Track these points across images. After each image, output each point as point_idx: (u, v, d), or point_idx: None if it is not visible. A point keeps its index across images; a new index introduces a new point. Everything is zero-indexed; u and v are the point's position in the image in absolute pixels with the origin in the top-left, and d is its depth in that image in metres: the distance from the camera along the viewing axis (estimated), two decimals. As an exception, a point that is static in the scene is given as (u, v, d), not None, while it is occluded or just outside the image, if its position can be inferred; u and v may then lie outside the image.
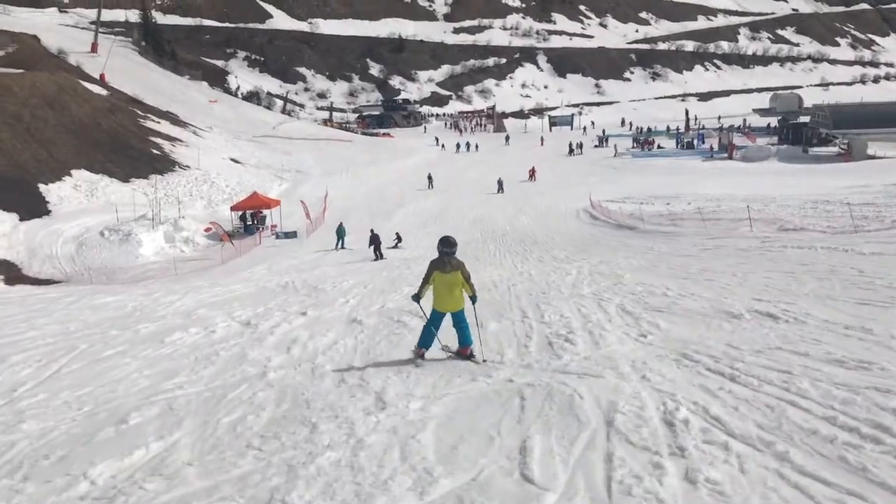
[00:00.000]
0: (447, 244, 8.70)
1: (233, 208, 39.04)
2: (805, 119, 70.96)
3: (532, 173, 55.50)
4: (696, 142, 71.57)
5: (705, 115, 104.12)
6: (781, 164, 57.03)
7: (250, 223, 38.37)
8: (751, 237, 20.83)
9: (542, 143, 78.03)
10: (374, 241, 29.00)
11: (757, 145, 64.31)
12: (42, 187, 37.27)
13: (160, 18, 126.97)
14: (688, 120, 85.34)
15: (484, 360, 8.72)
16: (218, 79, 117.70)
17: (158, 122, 61.34)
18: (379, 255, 28.28)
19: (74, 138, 43.52)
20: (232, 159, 58.76)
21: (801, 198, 31.41)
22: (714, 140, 70.95)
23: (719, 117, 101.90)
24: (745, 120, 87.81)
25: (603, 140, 76.84)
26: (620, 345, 9.06)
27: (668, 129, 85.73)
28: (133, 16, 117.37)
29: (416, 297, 8.94)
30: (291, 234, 36.22)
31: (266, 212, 39.64)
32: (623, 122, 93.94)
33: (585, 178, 53.11)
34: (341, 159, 66.75)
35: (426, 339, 8.94)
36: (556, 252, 24.07)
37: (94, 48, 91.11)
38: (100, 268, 29.43)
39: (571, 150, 68.91)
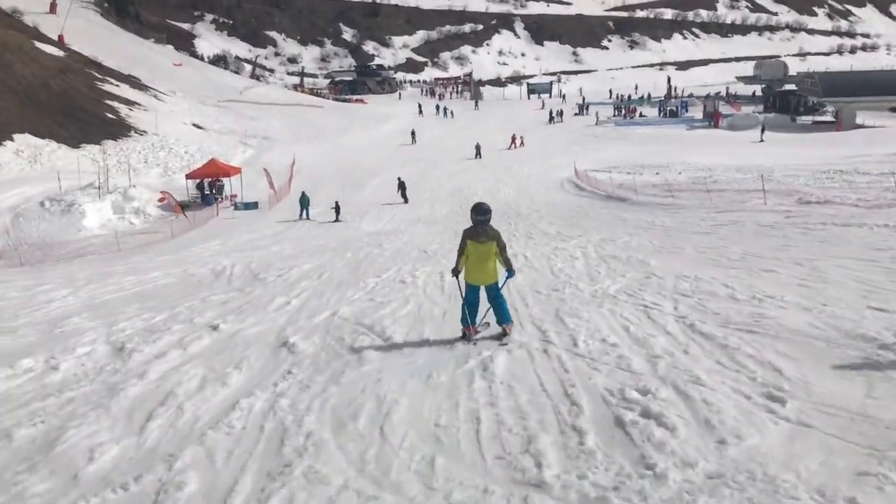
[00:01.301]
0: (480, 211, 7.75)
1: (188, 176, 35.97)
2: (791, 87, 69.03)
3: (514, 140, 52.87)
4: (679, 110, 69.26)
5: (684, 85, 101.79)
6: (769, 132, 54.91)
7: (208, 193, 35.37)
8: (767, 211, 18.47)
9: (542, 107, 76.39)
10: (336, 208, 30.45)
11: (744, 113, 62.21)
12: (-23, 152, 34.07)
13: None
14: (670, 88, 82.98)
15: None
16: (184, 42, 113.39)
17: (117, 86, 57.89)
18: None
19: (18, 100, 40.15)
20: (194, 125, 55.53)
21: (807, 168, 29.16)
22: (698, 108, 68.79)
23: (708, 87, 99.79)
24: (727, 88, 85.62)
25: (583, 108, 74.35)
26: (754, 427, 5.00)
27: (648, 96, 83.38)
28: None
29: (455, 272, 8.08)
30: (252, 205, 33.33)
31: (225, 180, 36.61)
32: (611, 94, 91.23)
33: (567, 147, 50.68)
34: (311, 126, 63.74)
35: (468, 314, 8.00)
36: (544, 226, 21.61)
37: (52, 8, 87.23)
38: (36, 242, 26.47)
39: (552, 118, 66.34)
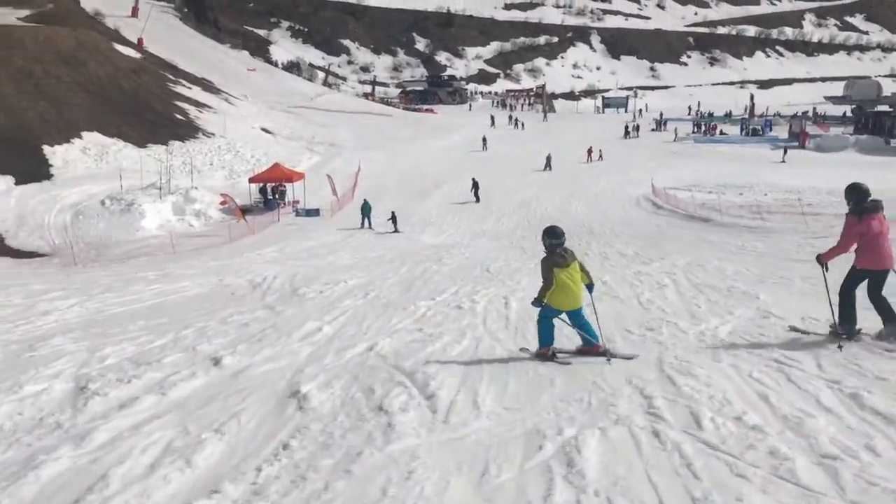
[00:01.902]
0: (554, 235, 7.43)
1: (251, 180, 35.16)
2: (884, 108, 65.07)
3: (590, 153, 51.05)
4: (763, 129, 66.06)
5: (766, 104, 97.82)
6: (860, 155, 51.69)
7: (271, 198, 34.52)
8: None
9: (638, 117, 74.60)
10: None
11: (833, 134, 58.76)
12: (46, 149, 33.90)
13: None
14: (752, 106, 79.59)
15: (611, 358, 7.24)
16: (260, 48, 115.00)
17: (189, 88, 58.13)
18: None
19: (89, 98, 40.15)
20: (263, 129, 55.22)
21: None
22: (783, 127, 65.49)
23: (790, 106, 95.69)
24: (814, 108, 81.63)
25: (660, 123, 71.73)
26: None
27: (728, 114, 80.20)
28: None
29: (538, 302, 7.51)
30: (313, 212, 32.30)
31: (288, 186, 35.71)
32: (690, 111, 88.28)
33: (644, 163, 48.38)
34: (378, 134, 62.87)
35: (547, 334, 7.50)
36: (620, 246, 19.80)
37: (134, 12, 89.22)
38: (93, 241, 25.88)
39: (627, 133, 64.02)
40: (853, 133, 61.00)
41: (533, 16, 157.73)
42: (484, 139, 59.08)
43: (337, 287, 13.30)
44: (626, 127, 65.48)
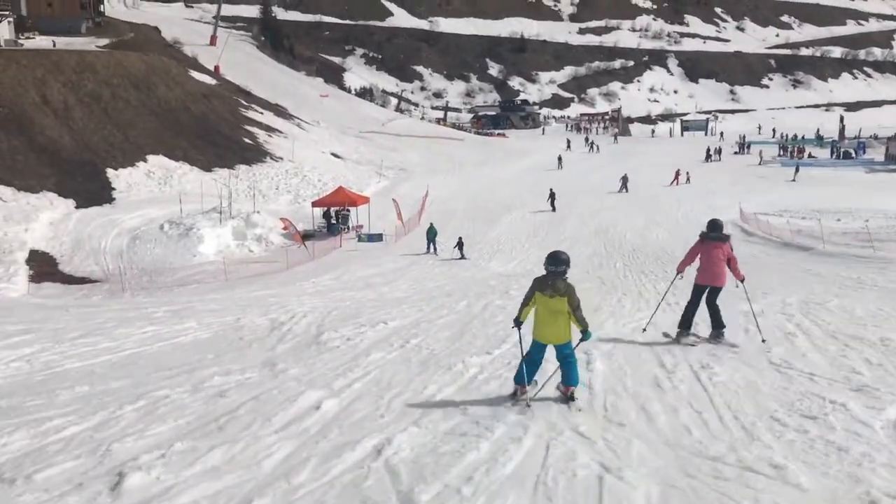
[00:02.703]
0: (554, 261, 6.87)
1: (314, 204, 34.07)
2: None
3: (677, 176, 48.90)
4: (856, 151, 62.12)
5: (854, 126, 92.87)
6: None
7: (334, 222, 33.32)
8: None
9: (720, 140, 72.54)
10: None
11: (937, 157, 54.64)
12: (110, 172, 33.62)
13: (281, 14, 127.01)
14: (842, 128, 75.36)
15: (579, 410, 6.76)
16: (334, 75, 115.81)
17: (261, 113, 58.17)
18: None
19: (157, 122, 40.00)
20: (332, 154, 54.66)
21: None
22: (877, 150, 61.48)
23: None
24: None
25: (743, 146, 68.43)
26: None
27: (818, 136, 76.25)
28: (254, 11, 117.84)
29: (518, 322, 7.10)
30: (376, 237, 30.91)
31: (352, 210, 34.47)
32: (774, 133, 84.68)
33: (728, 187, 45.61)
34: (449, 158, 61.70)
35: (521, 373, 7.19)
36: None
37: (212, 41, 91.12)
38: (147, 267, 24.98)
39: (709, 156, 61.01)
40: (958, 155, 56.65)
41: (608, 40, 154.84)
42: (559, 158, 60.16)
43: (373, 330, 11.06)
44: (708, 150, 62.49)
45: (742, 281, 9.74)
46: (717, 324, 9.48)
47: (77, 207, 29.66)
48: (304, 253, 27.07)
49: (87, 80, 37.84)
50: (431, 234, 28.53)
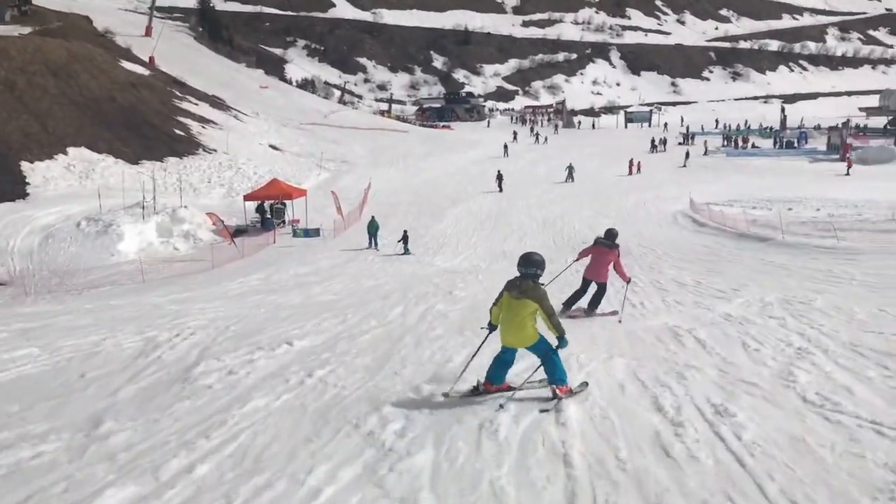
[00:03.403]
0: (525, 262, 6.50)
1: (247, 198, 32.06)
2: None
3: (631, 166, 48.59)
4: (798, 141, 62.42)
5: (795, 117, 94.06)
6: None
7: (268, 216, 31.39)
8: None
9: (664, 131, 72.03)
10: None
11: (878, 146, 54.94)
12: (25, 165, 31.17)
13: (220, 5, 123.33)
14: (784, 118, 75.94)
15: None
16: (275, 67, 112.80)
17: (196, 104, 55.60)
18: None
19: (78, 112, 37.42)
20: (271, 146, 52.46)
21: None
22: (818, 140, 61.90)
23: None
24: (848, 120, 77.78)
25: (688, 137, 68.27)
26: None
27: (760, 127, 76.82)
28: (192, 2, 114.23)
29: (491, 327, 6.77)
30: (313, 232, 29.11)
31: (288, 203, 32.57)
32: (717, 124, 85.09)
33: (675, 177, 45.02)
34: (393, 150, 59.98)
35: (494, 369, 6.69)
36: (673, 272, 16.38)
37: (147, 31, 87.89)
38: (59, 268, 22.81)
39: (654, 147, 60.57)
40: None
41: (551, 33, 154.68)
42: (505, 146, 61.05)
43: (270, 357, 8.55)
44: (653, 140, 62.07)
45: (628, 282, 11.17)
46: (594, 305, 11.00)
47: (-16, 204, 27.25)
48: (235, 250, 25.16)
49: (-1, 66, 35.18)
50: (373, 228, 26.95)
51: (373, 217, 27.71)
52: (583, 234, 27.62)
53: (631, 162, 48.64)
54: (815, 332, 8.34)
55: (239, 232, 29.82)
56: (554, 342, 6.39)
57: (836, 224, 20.50)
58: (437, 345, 9.13)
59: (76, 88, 39.21)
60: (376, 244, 26.75)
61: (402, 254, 25.28)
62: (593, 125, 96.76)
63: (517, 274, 6.49)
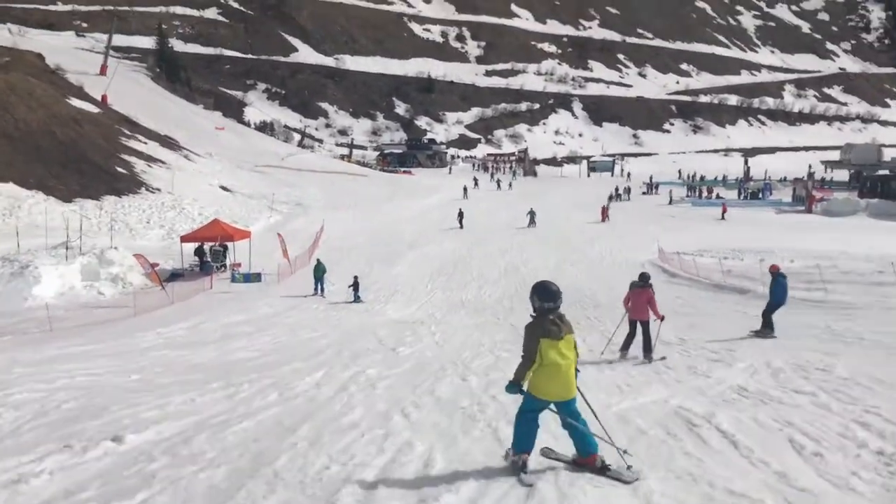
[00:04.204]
0: (548, 294, 5.49)
1: (184, 239, 29.58)
2: (884, 172, 61.46)
3: (604, 212, 47.82)
4: (763, 192, 62.04)
5: (756, 170, 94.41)
6: (872, 219, 47.51)
7: (207, 259, 28.98)
8: None
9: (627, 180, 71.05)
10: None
11: (844, 198, 54.52)
12: (-60, 201, 28.43)
13: (180, 46, 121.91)
14: (747, 170, 75.95)
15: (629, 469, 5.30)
16: (234, 109, 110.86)
17: (145, 143, 53.25)
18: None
19: (9, 145, 34.88)
20: (221, 186, 50.15)
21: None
22: (782, 192, 61.61)
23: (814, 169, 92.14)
24: (812, 172, 78.10)
25: (651, 187, 67.57)
26: None
27: (724, 178, 76.78)
28: (151, 42, 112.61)
29: (515, 387, 5.43)
30: (254, 277, 26.75)
31: (230, 245, 30.17)
32: (680, 174, 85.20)
33: (641, 227, 43.60)
34: (352, 194, 58.08)
35: (525, 436, 5.46)
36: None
37: (102, 70, 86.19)
38: (-42, 313, 20.18)
39: (618, 196, 59.48)
40: (858, 197, 57.00)
41: (514, 82, 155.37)
42: (465, 188, 61.83)
43: (68, 468, 5.81)
44: (616, 189, 61.07)
45: (661, 319, 11.90)
46: (647, 349, 11.56)
47: None
48: (161, 296, 22.72)
49: (-79, 95, 32.62)
50: (319, 273, 24.74)
51: (318, 261, 25.53)
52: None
53: (604, 209, 47.51)
54: (877, 420, 6.28)
55: (174, 276, 27.34)
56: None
57: (825, 277, 18.87)
58: (344, 441, 6.68)
59: (10, 121, 36.70)
60: (322, 290, 24.54)
61: (352, 301, 23.15)
62: (561, 174, 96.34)
63: (536, 313, 5.49)
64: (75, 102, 54.18)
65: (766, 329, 12.61)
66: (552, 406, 5.45)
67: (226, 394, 8.65)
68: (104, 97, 69.98)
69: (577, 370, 5.52)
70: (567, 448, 5.67)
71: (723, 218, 49.23)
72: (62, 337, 16.24)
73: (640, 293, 12.24)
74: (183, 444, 6.60)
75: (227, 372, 10.03)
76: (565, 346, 5.34)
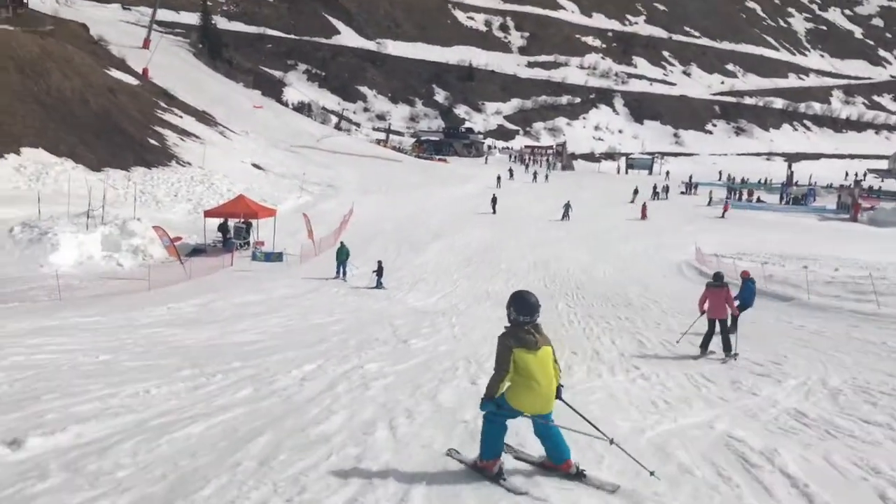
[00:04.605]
0: (525, 306, 5.15)
1: (207, 214, 29.03)
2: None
3: (644, 210, 46.45)
4: (806, 198, 60.11)
5: (801, 176, 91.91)
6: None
7: (230, 236, 28.38)
8: None
9: (666, 178, 70.61)
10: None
11: (892, 207, 52.54)
12: (-33, 163, 28.20)
13: (224, 24, 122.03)
14: (791, 174, 73.87)
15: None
16: (274, 89, 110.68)
17: (181, 117, 52.98)
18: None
19: (42, 111, 34.59)
20: (253, 164, 49.70)
21: None
22: (826, 199, 59.63)
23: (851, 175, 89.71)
24: (860, 179, 75.79)
25: (690, 187, 65.86)
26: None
27: (766, 181, 74.77)
28: (195, 18, 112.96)
29: (490, 403, 5.12)
30: (275, 256, 26.08)
31: (255, 223, 29.57)
32: (720, 176, 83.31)
33: (678, 226, 42.30)
34: (384, 179, 57.35)
35: (495, 440, 5.22)
36: (677, 326, 13.43)
37: (145, 44, 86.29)
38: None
39: (656, 194, 57.95)
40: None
41: (556, 75, 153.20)
42: (499, 177, 60.98)
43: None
44: (655, 187, 59.55)
45: (735, 317, 12.44)
46: (727, 347, 11.63)
47: None
48: (179, 271, 22.15)
49: (-44, 56, 32.39)
50: (342, 256, 23.99)
51: (342, 243, 24.77)
52: (577, 279, 24.74)
53: (644, 206, 46.31)
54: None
55: (196, 251, 26.83)
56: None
57: (869, 287, 17.65)
58: (303, 463, 5.43)
59: (44, 87, 36.43)
60: (344, 274, 23.81)
61: (374, 287, 22.39)
62: (598, 169, 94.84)
63: (511, 324, 5.18)
64: (116, 74, 54.21)
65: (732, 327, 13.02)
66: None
67: (191, 385, 7.64)
68: (145, 70, 70.21)
69: (560, 385, 5.29)
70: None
71: (723, 216, 48.71)
72: (68, 307, 15.68)
73: (718, 292, 12.43)
74: (96, 456, 5.35)
75: (209, 357, 9.24)
76: (542, 359, 5.09)
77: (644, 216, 45.61)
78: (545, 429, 5.24)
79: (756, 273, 22.46)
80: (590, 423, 5.30)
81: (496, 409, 5.13)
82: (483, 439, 5.24)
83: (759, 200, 60.90)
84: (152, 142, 41.17)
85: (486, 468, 5.16)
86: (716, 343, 11.74)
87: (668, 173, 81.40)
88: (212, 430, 6.08)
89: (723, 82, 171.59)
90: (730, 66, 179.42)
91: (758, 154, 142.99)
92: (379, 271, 22.92)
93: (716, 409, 7.16)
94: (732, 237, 38.17)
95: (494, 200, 45.10)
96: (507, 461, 5.24)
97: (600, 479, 5.10)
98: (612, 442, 5.17)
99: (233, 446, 5.68)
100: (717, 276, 12.96)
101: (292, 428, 6.28)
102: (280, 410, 6.86)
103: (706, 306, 12.42)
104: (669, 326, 14.61)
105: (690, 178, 72.33)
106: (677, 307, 17.86)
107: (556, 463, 5.27)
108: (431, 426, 6.49)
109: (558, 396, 5.25)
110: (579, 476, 5.16)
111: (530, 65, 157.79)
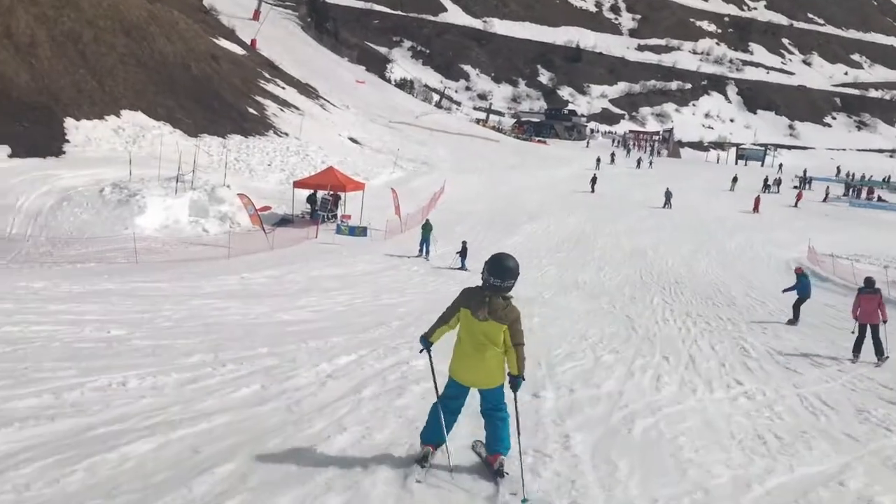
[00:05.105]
0: (498, 270, 4.78)
1: (296, 184, 28.69)
2: None
3: (757, 204, 44.03)
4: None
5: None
6: None
7: (318, 207, 27.94)
8: None
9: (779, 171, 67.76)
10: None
11: None
12: (69, 122, 28.66)
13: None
14: (917, 173, 68.72)
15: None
16: (378, 64, 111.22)
17: (283, 88, 53.33)
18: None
19: (144, 75, 35.03)
20: (350, 138, 49.50)
21: None
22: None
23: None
24: None
25: (804, 182, 61.93)
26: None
27: (888, 179, 69.75)
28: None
29: (426, 343, 5.05)
30: (360, 231, 25.39)
31: (343, 195, 29.07)
32: (838, 172, 78.49)
33: (788, 222, 39.57)
34: (480, 158, 56.28)
35: (432, 424, 4.98)
36: (790, 337, 11.91)
37: (255, 15, 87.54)
38: (61, 235, 19.90)
39: (767, 187, 54.65)
40: None
41: (666, 59, 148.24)
42: (598, 159, 60.39)
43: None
44: (766, 180, 56.20)
45: (884, 322, 12.23)
46: (879, 352, 11.83)
47: (12, 156, 24.72)
48: (261, 239, 21.75)
49: (65, 16, 32.83)
50: (426, 233, 23.10)
51: (427, 221, 23.90)
52: (676, 272, 23.05)
53: (757, 199, 43.78)
54: None
55: (284, 221, 26.55)
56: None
57: None
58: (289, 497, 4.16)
59: (148, 51, 36.93)
60: (427, 252, 22.92)
61: (458, 268, 21.42)
62: (706, 158, 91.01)
63: (481, 283, 4.82)
64: (223, 43, 54.95)
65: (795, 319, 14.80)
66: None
67: (187, 377, 6.45)
68: (253, 41, 71.23)
69: (520, 379, 4.73)
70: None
71: (796, 205, 47.43)
72: (141, 271, 15.39)
73: (871, 298, 12.54)
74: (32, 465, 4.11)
75: (235, 340, 8.33)
76: (485, 329, 4.71)
77: (756, 209, 42.95)
78: (488, 412, 4.93)
79: (879, 278, 20.31)
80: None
81: (444, 390, 4.92)
82: (427, 421, 5.02)
83: (879, 199, 56.59)
84: (251, 111, 41.35)
85: (420, 455, 4.94)
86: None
87: (780, 166, 77.17)
88: (165, 449, 4.69)
89: (846, 73, 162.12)
90: (855, 56, 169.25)
91: (881, 151, 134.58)
92: (463, 252, 21.94)
93: (843, 454, 5.62)
94: (849, 237, 35.35)
95: (594, 180, 46.30)
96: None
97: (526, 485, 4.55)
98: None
99: (176, 479, 4.23)
100: (869, 282, 13.11)
101: (273, 451, 4.85)
102: (274, 422, 5.50)
103: (858, 312, 12.32)
104: (777, 332, 13.01)
105: (805, 172, 68.11)
106: (785, 310, 16.09)
107: (487, 451, 5.01)
108: (467, 471, 4.88)
109: (513, 387, 4.73)
110: (498, 474, 4.80)
111: (640, 48, 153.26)
